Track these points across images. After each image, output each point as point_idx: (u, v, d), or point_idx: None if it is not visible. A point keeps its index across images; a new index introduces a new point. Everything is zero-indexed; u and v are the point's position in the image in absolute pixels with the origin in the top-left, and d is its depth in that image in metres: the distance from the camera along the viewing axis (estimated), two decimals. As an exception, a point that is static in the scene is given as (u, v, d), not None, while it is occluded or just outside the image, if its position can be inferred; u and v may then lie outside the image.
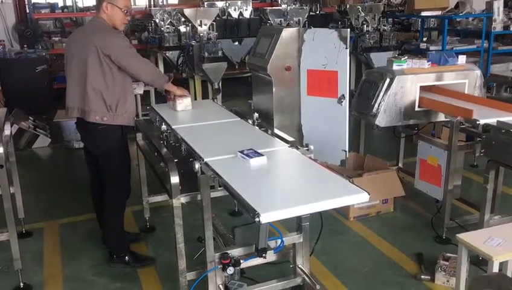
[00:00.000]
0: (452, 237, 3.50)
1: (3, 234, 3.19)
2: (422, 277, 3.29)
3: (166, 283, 3.29)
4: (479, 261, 3.11)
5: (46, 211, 4.48)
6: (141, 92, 4.06)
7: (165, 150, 3.00)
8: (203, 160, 2.60)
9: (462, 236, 2.58)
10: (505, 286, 1.81)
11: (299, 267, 2.97)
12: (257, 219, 1.97)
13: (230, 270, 2.68)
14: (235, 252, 2.76)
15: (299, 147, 2.83)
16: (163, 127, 3.41)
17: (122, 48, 3.24)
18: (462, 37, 8.09)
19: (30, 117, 6.65)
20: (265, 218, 1.98)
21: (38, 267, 3.57)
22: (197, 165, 2.58)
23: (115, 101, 3.27)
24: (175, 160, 2.83)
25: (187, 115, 3.68)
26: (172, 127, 3.31)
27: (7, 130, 3.60)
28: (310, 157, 2.71)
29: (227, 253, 2.73)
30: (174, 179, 2.73)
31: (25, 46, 8.13)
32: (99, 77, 3.22)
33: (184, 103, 3.67)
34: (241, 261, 2.73)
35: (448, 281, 3.19)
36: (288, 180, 2.51)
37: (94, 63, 3.20)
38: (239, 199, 2.18)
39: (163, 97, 3.91)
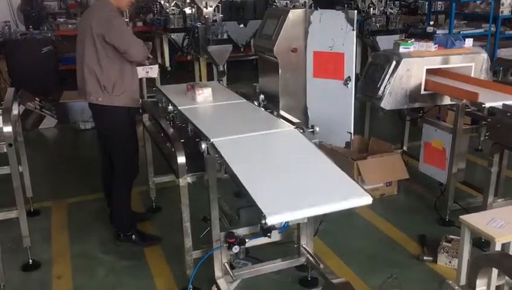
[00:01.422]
0: (455, 220, 3.53)
1: (12, 211, 3.24)
2: (425, 258, 3.33)
3: (172, 261, 3.34)
4: (481, 243, 3.14)
5: (53, 190, 4.54)
6: (155, 75, 3.99)
7: (171, 130, 3.03)
8: (209, 140, 2.62)
9: (465, 218, 2.59)
10: (506, 265, 1.83)
11: (303, 247, 3.02)
12: (263, 221, 2.00)
13: (236, 249, 2.73)
14: (241, 231, 2.81)
15: (304, 128, 2.85)
16: (170, 107, 3.43)
17: (115, 27, 3.19)
18: (470, 21, 8.02)
19: (36, 98, 6.68)
20: (271, 221, 2.01)
21: (47, 244, 3.63)
22: (203, 146, 2.61)
23: (111, 82, 3.26)
24: (181, 140, 2.86)
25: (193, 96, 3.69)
26: (179, 108, 3.33)
27: (15, 110, 3.63)
28: (316, 143, 2.71)
29: (232, 232, 2.77)
30: (181, 159, 2.77)
31: (31, 27, 8.11)
32: (93, 57, 3.23)
33: (204, 94, 3.48)
34: (246, 240, 2.78)
35: (450, 262, 3.23)
36: (296, 178, 2.43)
37: (89, 43, 3.21)
38: (248, 197, 2.18)
39: (168, 79, 3.91)
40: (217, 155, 2.55)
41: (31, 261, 3.35)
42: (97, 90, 3.27)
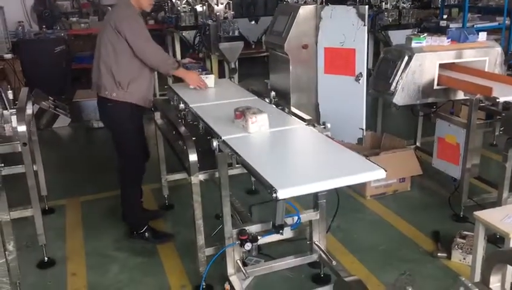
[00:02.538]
0: (470, 216, 3.49)
1: (27, 210, 3.29)
2: (439, 254, 3.31)
3: (185, 258, 3.36)
4: (496, 239, 3.10)
5: (67, 188, 4.59)
6: (212, 85, 3.80)
7: (183, 128, 3.04)
8: (220, 138, 2.63)
9: (479, 213, 2.57)
10: (521, 262, 1.80)
11: (316, 244, 3.01)
12: (274, 195, 1.99)
13: (248, 246, 2.73)
14: (253, 228, 2.81)
15: (316, 125, 2.84)
16: (181, 105, 3.44)
17: (134, 30, 3.27)
18: (484, 14, 7.91)
19: (50, 97, 6.75)
20: (282, 194, 1.99)
21: (61, 242, 3.68)
22: (214, 143, 2.61)
23: (127, 79, 3.31)
24: (193, 138, 2.87)
25: (204, 93, 3.70)
26: (190, 105, 3.34)
27: (29, 109, 3.67)
28: (327, 136, 2.73)
29: (245, 229, 2.77)
30: (193, 157, 2.78)
31: (44, 26, 8.20)
32: (111, 53, 3.28)
33: (258, 122, 2.73)
34: (259, 237, 2.78)
35: (464, 258, 3.20)
36: (306, 158, 2.53)
37: (109, 39, 3.28)
38: (256, 176, 2.20)
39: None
40: (228, 150, 2.55)
41: (46, 258, 3.40)
42: (112, 85, 3.31)
